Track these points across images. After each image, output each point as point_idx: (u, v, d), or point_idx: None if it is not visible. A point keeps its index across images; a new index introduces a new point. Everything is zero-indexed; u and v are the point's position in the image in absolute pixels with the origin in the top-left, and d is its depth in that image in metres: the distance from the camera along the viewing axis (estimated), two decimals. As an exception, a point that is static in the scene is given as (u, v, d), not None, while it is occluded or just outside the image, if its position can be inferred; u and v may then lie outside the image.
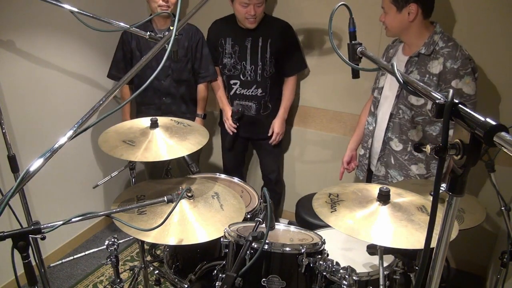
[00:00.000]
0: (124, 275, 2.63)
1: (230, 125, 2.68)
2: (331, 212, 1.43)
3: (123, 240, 2.51)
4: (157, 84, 2.59)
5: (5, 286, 2.45)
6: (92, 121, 1.06)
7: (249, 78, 2.61)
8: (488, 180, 2.10)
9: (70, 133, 1.02)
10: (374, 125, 2.16)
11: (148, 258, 2.73)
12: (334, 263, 1.41)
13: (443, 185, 0.83)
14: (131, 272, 2.44)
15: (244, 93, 2.65)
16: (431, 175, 2.04)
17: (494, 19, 2.17)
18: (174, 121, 1.95)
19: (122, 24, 1.74)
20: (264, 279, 1.35)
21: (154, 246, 2.79)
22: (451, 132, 0.81)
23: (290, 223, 2.90)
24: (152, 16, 2.38)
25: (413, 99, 1.94)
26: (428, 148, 0.80)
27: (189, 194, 1.59)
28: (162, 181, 1.91)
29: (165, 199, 1.34)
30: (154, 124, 1.81)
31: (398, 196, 1.50)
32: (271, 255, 1.37)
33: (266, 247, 1.35)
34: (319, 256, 1.40)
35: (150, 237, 1.47)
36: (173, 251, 1.88)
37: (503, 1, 2.14)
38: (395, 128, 2.04)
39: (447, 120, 0.77)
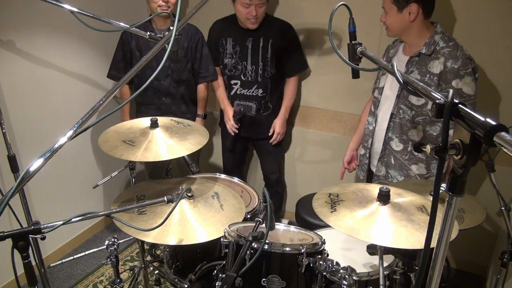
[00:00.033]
0: (124, 275, 2.63)
1: (232, 125, 2.67)
2: (331, 212, 1.43)
3: (123, 240, 2.51)
4: (157, 84, 2.59)
5: (5, 286, 2.45)
6: (92, 121, 1.06)
7: (250, 78, 2.61)
8: (488, 180, 2.10)
9: (70, 133, 1.02)
10: (374, 125, 2.16)
11: (148, 258, 2.73)
12: (334, 263, 1.41)
13: (443, 185, 0.83)
14: (131, 272, 2.44)
15: (245, 93, 2.65)
16: (431, 175, 2.04)
17: (494, 19, 2.18)
18: (174, 121, 1.95)
19: (122, 24, 1.73)
20: (264, 279, 1.35)
21: (154, 246, 2.79)
22: (451, 132, 0.81)
23: (290, 223, 2.90)
24: (152, 16, 2.39)
25: (414, 99, 1.94)
26: (428, 148, 0.80)
27: (189, 194, 1.59)
28: (162, 181, 1.91)
29: (165, 199, 1.34)
30: (154, 124, 1.81)
31: (398, 196, 1.50)
32: (271, 255, 1.37)
33: (266, 247, 1.35)
34: (319, 256, 1.40)
35: (150, 237, 1.47)
36: (173, 251, 1.88)
37: (503, 1, 2.14)
38: (396, 128, 2.04)
39: (447, 120, 0.77)
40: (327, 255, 1.46)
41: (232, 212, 1.61)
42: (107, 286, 2.57)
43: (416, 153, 2.02)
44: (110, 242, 1.69)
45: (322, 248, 1.43)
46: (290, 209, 3.19)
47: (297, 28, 2.66)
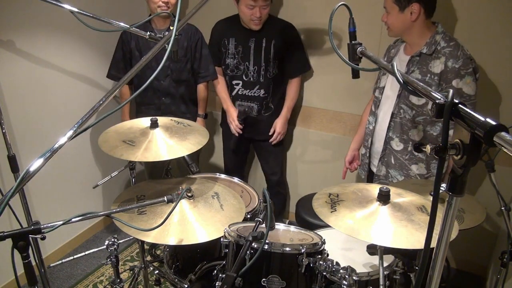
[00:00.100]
0: (124, 275, 2.63)
1: (236, 126, 2.66)
2: (331, 212, 1.43)
3: (123, 240, 2.51)
4: (156, 84, 2.59)
5: (5, 286, 2.45)
6: (92, 121, 1.06)
7: (251, 79, 2.61)
8: (488, 180, 2.10)
9: (70, 133, 1.02)
10: (374, 124, 2.16)
11: (148, 258, 2.73)
12: (334, 263, 1.41)
13: (443, 185, 0.83)
14: (131, 272, 2.44)
15: (247, 94, 2.64)
16: (431, 175, 2.04)
17: (494, 19, 2.18)
18: (174, 121, 1.95)
19: (122, 24, 1.73)
20: (264, 279, 1.35)
21: (154, 246, 2.79)
22: (451, 132, 0.81)
23: (290, 223, 2.90)
24: (152, 16, 2.39)
25: (414, 99, 1.94)
26: (428, 148, 0.80)
27: (189, 194, 1.59)
28: (162, 181, 1.91)
29: (165, 199, 1.34)
30: (154, 124, 1.81)
31: (398, 196, 1.50)
32: (271, 255, 1.37)
33: (266, 247, 1.35)
34: (319, 256, 1.40)
35: (150, 237, 1.47)
36: (173, 251, 1.88)
37: (503, 1, 2.14)
38: (396, 128, 2.04)
39: (447, 120, 0.77)
40: (327, 255, 1.46)
41: (232, 212, 1.61)
42: (107, 286, 2.57)
43: (416, 153, 2.02)
44: (110, 242, 1.69)
45: (322, 248, 1.43)
46: (290, 209, 3.19)
47: (297, 28, 2.65)
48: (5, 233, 1.01)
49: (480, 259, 2.64)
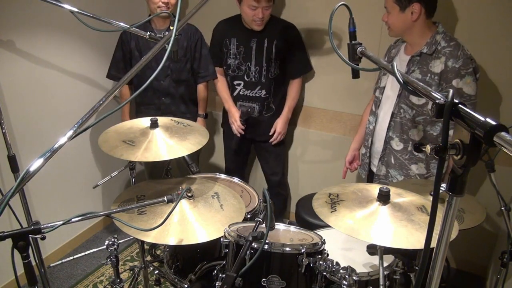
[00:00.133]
0: (124, 275, 2.63)
1: (238, 126, 2.66)
2: (331, 212, 1.43)
3: (123, 240, 2.51)
4: (156, 84, 2.59)
5: (5, 286, 2.45)
6: (92, 121, 1.06)
7: (253, 79, 2.60)
8: (488, 180, 2.10)
9: (70, 133, 1.02)
10: (374, 124, 2.16)
11: (148, 258, 2.73)
12: (334, 263, 1.41)
13: (443, 185, 0.83)
14: (131, 272, 2.44)
15: (248, 94, 2.64)
16: (431, 175, 2.04)
17: (494, 19, 2.18)
18: (174, 121, 1.95)
19: (122, 24, 1.73)
20: (264, 279, 1.35)
21: (154, 246, 2.78)
22: (451, 132, 0.81)
23: (290, 223, 2.90)
24: (152, 17, 2.39)
25: (414, 99, 1.95)
26: (428, 148, 0.80)
27: (189, 194, 1.59)
28: (162, 181, 1.91)
29: (165, 199, 1.34)
30: (154, 124, 1.81)
31: (398, 196, 1.50)
32: (271, 255, 1.37)
33: (266, 247, 1.35)
34: (319, 256, 1.40)
35: (150, 237, 1.47)
36: (173, 251, 1.88)
37: (503, 1, 2.14)
38: (396, 128, 2.04)
39: (447, 120, 0.77)
40: (327, 255, 1.46)
41: (232, 212, 1.61)
42: (107, 286, 2.57)
43: (416, 153, 2.02)
44: (110, 242, 1.69)
45: (322, 248, 1.43)
46: (291, 209, 3.19)
47: (298, 28, 2.65)
48: (5, 233, 1.01)
49: (480, 259, 2.64)
